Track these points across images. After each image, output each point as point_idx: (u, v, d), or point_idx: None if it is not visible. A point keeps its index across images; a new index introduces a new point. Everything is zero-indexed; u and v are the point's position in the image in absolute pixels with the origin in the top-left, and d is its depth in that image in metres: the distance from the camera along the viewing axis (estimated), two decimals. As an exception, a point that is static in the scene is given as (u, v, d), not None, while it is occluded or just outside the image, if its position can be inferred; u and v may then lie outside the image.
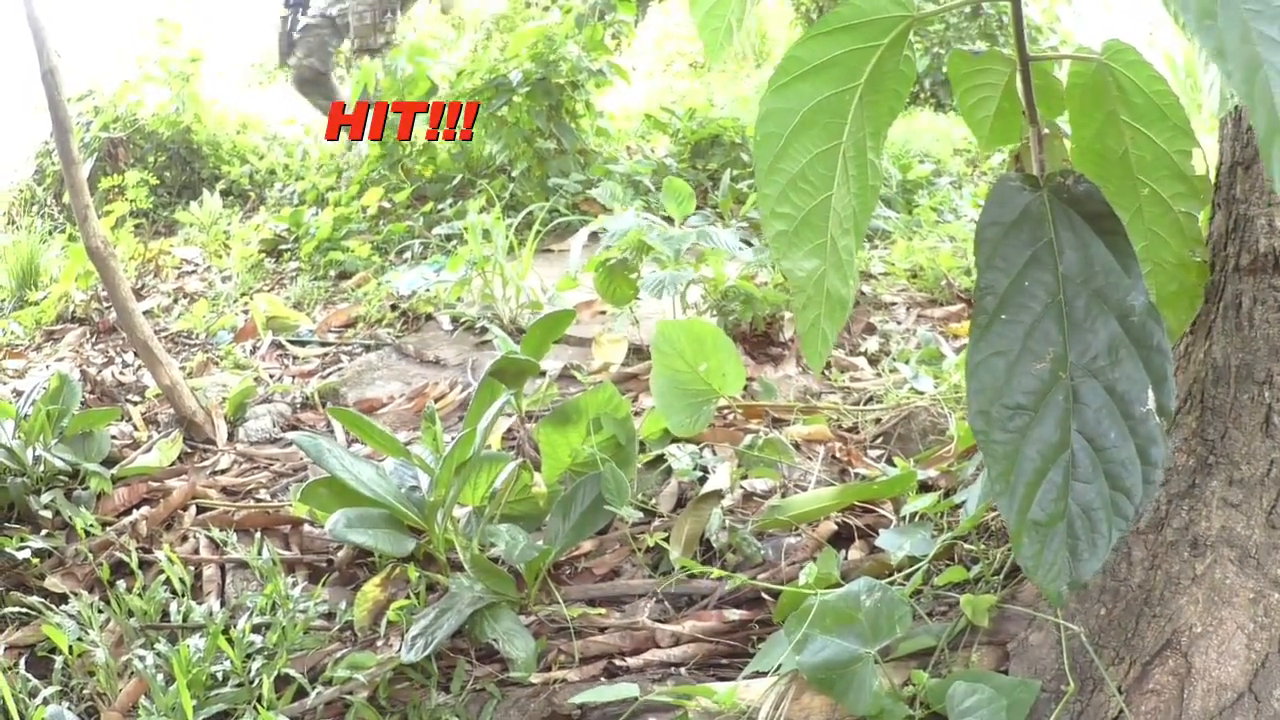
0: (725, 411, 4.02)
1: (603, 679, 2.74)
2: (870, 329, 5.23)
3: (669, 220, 5.08)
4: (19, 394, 5.08)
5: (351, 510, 3.11)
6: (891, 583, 2.71)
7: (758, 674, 2.55)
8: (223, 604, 3.29)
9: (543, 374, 4.40)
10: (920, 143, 9.61)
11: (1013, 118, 2.21)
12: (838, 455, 3.67)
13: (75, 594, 3.29)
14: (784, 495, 3.43)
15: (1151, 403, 1.72)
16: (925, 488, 3.25)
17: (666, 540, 3.20)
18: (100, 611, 3.14)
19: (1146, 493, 1.72)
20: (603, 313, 5.59)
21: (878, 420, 3.89)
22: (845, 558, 3.07)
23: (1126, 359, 1.72)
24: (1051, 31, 12.63)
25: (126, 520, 3.78)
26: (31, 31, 4.33)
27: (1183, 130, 1.95)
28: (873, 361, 4.80)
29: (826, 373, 4.64)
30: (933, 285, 5.79)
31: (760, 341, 5.06)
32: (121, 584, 3.28)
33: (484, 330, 5.72)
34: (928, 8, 1.82)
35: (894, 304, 5.64)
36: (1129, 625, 2.19)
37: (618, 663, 2.80)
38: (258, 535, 3.57)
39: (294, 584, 3.30)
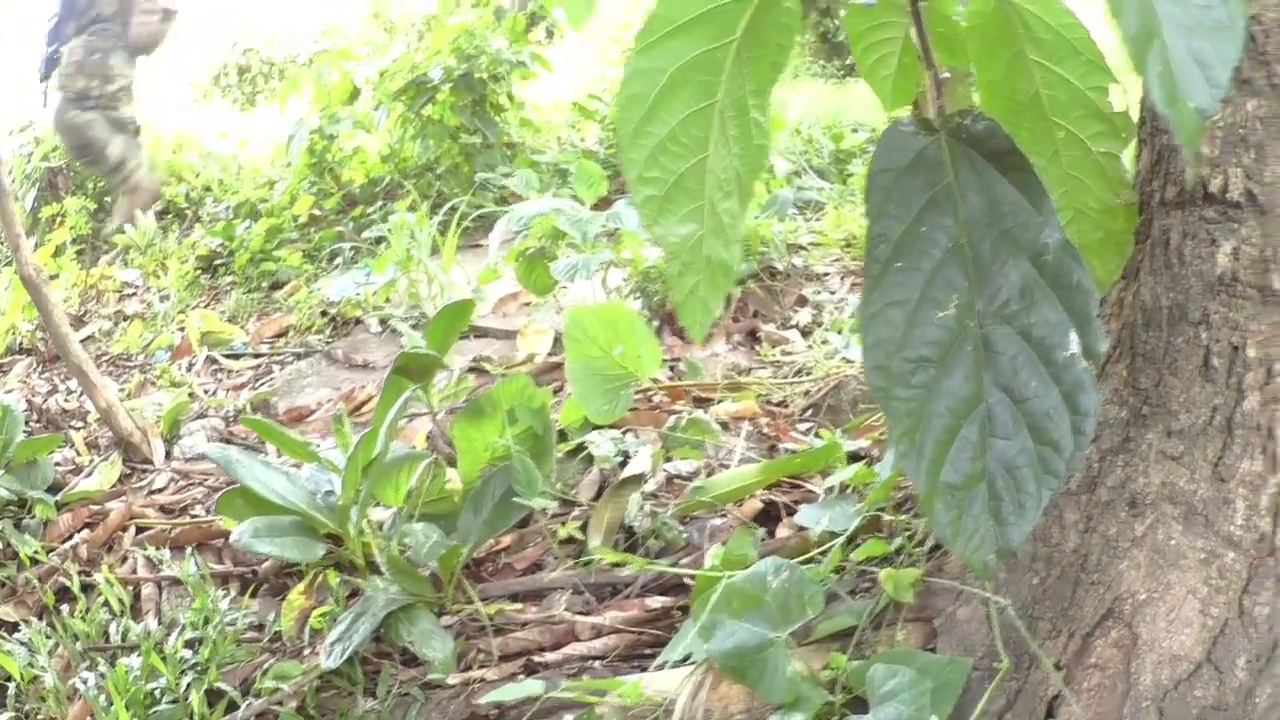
0: (649, 394, 3.93)
1: (522, 676, 2.65)
2: (802, 301, 5.13)
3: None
4: (-33, 428, 5.05)
5: (260, 519, 3.07)
6: (811, 559, 2.58)
7: (674, 664, 2.42)
8: (160, 621, 3.27)
9: (445, 368, 4.29)
10: (854, 113, 9.54)
11: (915, 72, 2.07)
12: (765, 431, 3.56)
13: (25, 621, 3.30)
14: (709, 475, 3.32)
15: (1076, 345, 1.56)
16: (856, 458, 3.11)
17: (585, 531, 3.12)
18: (48, 637, 3.13)
19: (1078, 444, 1.57)
20: (529, 304, 5.53)
21: (807, 392, 3.78)
22: (771, 537, 2.95)
23: (1043, 301, 1.58)
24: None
25: (68, 544, 3.78)
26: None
27: (1097, 66, 1.79)
28: (805, 334, 4.69)
29: (756, 348, 4.56)
30: (867, 254, 5.62)
31: (685, 320, 4.90)
32: (66, 608, 3.30)
33: (412, 329, 5.65)
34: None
35: (827, 274, 5.52)
36: (1065, 594, 2.02)
37: (537, 659, 2.71)
38: (190, 551, 3.52)
39: (226, 596, 3.26)
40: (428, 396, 3.42)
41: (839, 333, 4.31)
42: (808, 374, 3.99)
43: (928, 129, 1.64)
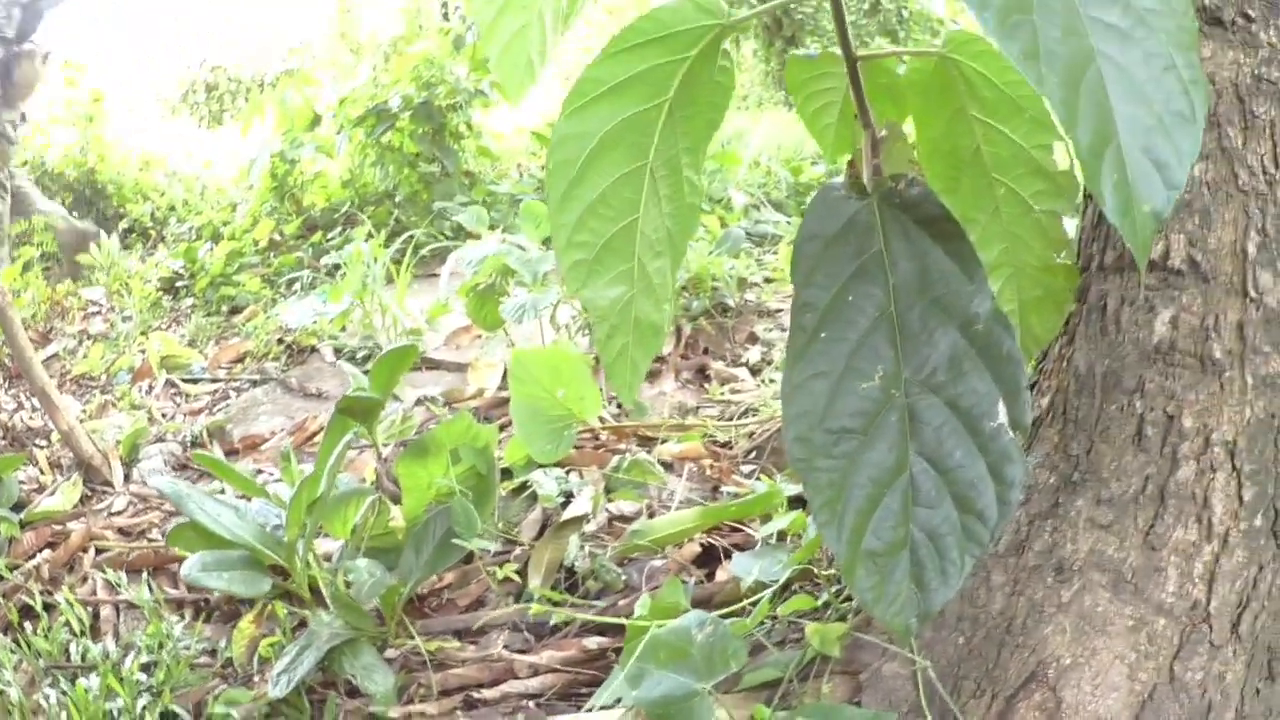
0: (595, 433, 3.93)
1: (460, 711, 2.67)
2: (753, 338, 5.13)
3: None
4: (-68, 442, 5.10)
5: (209, 554, 3.11)
6: (741, 610, 2.59)
7: (603, 707, 2.44)
8: (117, 643, 3.26)
9: (384, 406, 4.27)
10: (813, 145, 9.52)
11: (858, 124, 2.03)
12: (709, 473, 3.58)
13: None
14: (650, 517, 3.34)
15: (1003, 416, 1.56)
16: (798, 503, 3.10)
17: (523, 571, 3.13)
18: (13, 653, 3.14)
19: (1002, 514, 1.57)
20: (480, 337, 5.52)
21: (751, 434, 3.79)
22: (710, 580, 2.98)
23: (971, 371, 1.58)
24: (954, 23, 12.52)
25: (31, 564, 3.78)
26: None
27: (1041, 123, 1.81)
28: (754, 372, 4.70)
29: (705, 386, 4.57)
30: (821, 291, 5.61)
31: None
32: (29, 626, 3.30)
33: (366, 359, 5.69)
34: (741, 12, 1.64)
35: (779, 311, 5.52)
36: (990, 655, 2.02)
37: (475, 695, 2.72)
38: (144, 575, 3.56)
39: (180, 621, 3.28)
40: (372, 435, 3.41)
41: (788, 371, 4.26)
42: (754, 414, 3.99)
43: (860, 192, 1.64)
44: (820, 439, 1.57)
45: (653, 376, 4.75)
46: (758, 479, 3.44)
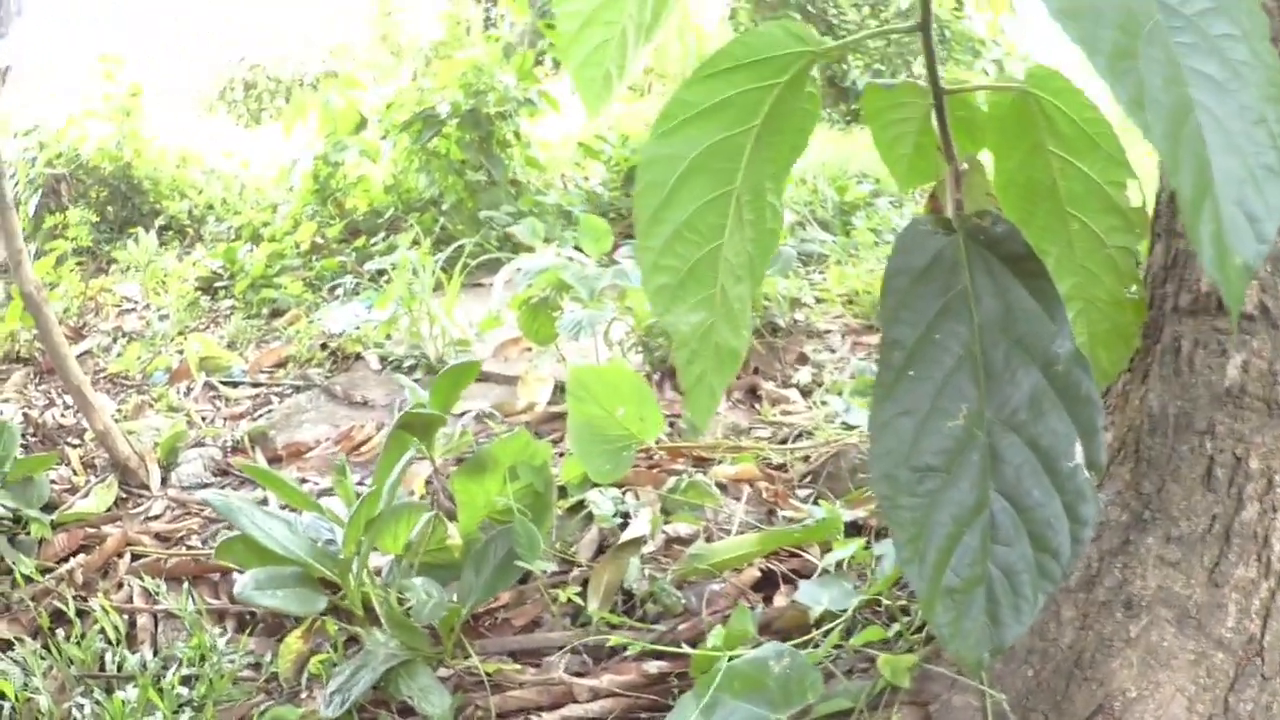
0: (649, 453, 3.91)
1: None
2: (803, 359, 5.12)
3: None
4: (-37, 437, 5.02)
5: (262, 571, 3.05)
6: (809, 640, 2.59)
7: None
8: (155, 653, 3.21)
9: (445, 423, 4.23)
10: (860, 162, 9.52)
11: (932, 153, 2.04)
12: (764, 496, 3.56)
13: (20, 640, 3.23)
14: (708, 539, 3.33)
15: (1080, 456, 1.58)
16: (854, 530, 3.14)
17: (584, 593, 3.10)
18: (43, 659, 3.08)
19: (1075, 552, 1.58)
20: (530, 349, 5.48)
21: (806, 458, 3.78)
22: (769, 605, 2.97)
23: (1050, 411, 1.59)
24: (995, 44, 12.54)
25: (64, 568, 3.71)
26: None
27: (1116, 160, 1.81)
28: (805, 393, 4.68)
29: (756, 406, 4.55)
30: (869, 311, 5.70)
31: (686, 378, 4.89)
32: (61, 632, 3.23)
33: (412, 369, 5.66)
34: (829, 42, 1.66)
35: (828, 332, 5.53)
36: (1058, 688, 2.04)
37: (534, 718, 2.69)
38: (186, 585, 3.50)
39: (222, 634, 3.23)
40: (430, 452, 3.39)
41: (839, 394, 4.30)
42: (808, 437, 3.99)
43: (946, 228, 1.65)
44: (905, 477, 1.58)
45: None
46: (815, 504, 3.43)
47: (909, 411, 1.59)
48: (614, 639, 2.83)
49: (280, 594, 3.02)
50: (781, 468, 3.81)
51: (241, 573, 3.35)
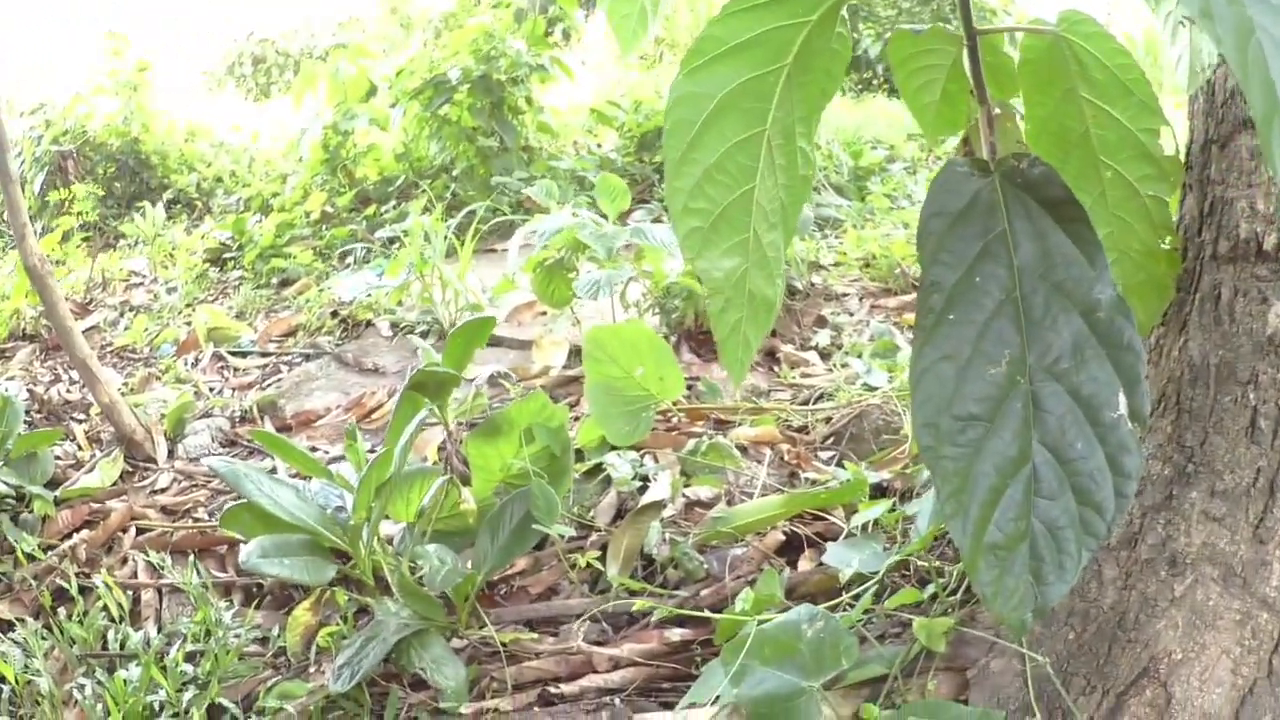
0: (667, 415, 3.87)
1: (537, 707, 2.59)
2: (821, 322, 5.10)
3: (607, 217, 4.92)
4: (-33, 414, 4.98)
5: (268, 539, 2.99)
6: (839, 604, 2.55)
7: (700, 705, 2.36)
8: (160, 630, 3.15)
9: (460, 382, 4.18)
10: (873, 128, 9.54)
11: (960, 101, 2.00)
12: (786, 458, 3.52)
13: (20, 620, 3.19)
14: (729, 503, 3.29)
15: (1123, 407, 1.54)
16: (879, 491, 3.10)
17: (603, 558, 3.05)
18: (44, 639, 3.02)
19: (1119, 506, 1.54)
20: (544, 313, 5.47)
21: (828, 419, 3.74)
22: (793, 570, 2.92)
23: (1093, 359, 1.55)
24: (1006, 14, 12.52)
25: (67, 544, 3.65)
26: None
27: (1149, 107, 1.77)
28: (824, 356, 4.67)
29: (775, 369, 4.52)
30: (886, 274, 5.70)
31: (705, 339, 4.93)
32: (63, 611, 3.19)
33: (424, 335, 5.62)
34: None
35: (846, 295, 5.52)
36: (1101, 651, 1.99)
37: (553, 689, 2.63)
38: (191, 558, 3.43)
39: (228, 608, 3.17)
40: (443, 414, 3.34)
41: (858, 356, 4.27)
42: (829, 399, 3.95)
43: (982, 170, 1.60)
44: (947, 425, 1.54)
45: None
46: (838, 466, 3.40)
47: (950, 356, 1.55)
48: (636, 604, 2.79)
49: (288, 562, 2.95)
50: (803, 429, 3.78)
51: (248, 543, 3.33)
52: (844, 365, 4.35)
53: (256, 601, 3.24)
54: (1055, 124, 1.85)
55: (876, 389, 3.83)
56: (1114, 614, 2.00)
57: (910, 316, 4.99)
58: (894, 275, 5.65)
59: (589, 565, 3.02)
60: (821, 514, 3.14)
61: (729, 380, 4.24)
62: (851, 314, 5.22)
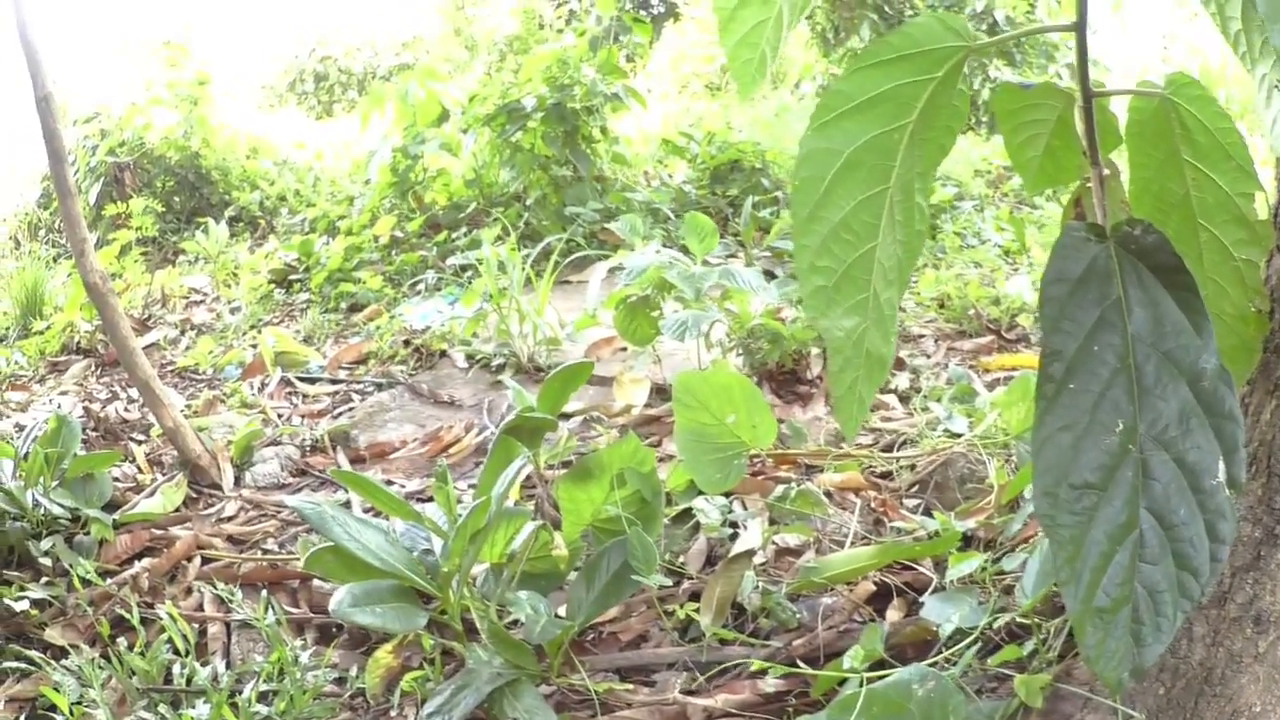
0: (755, 459, 3.86)
1: None
2: (900, 364, 5.10)
3: (687, 251, 4.96)
4: (21, 428, 4.99)
5: (358, 586, 2.93)
6: (938, 660, 2.60)
7: None
8: (228, 665, 3.14)
9: (556, 427, 4.03)
10: (942, 164, 9.53)
11: (1064, 156, 2.05)
12: (873, 505, 3.53)
13: (76, 647, 3.15)
14: (818, 550, 3.30)
15: (1222, 474, 1.58)
16: (965, 541, 3.12)
17: (695, 605, 3.03)
18: (101, 668, 2.95)
19: (1213, 570, 1.59)
20: (623, 349, 5.47)
21: (913, 466, 3.75)
22: (883, 618, 2.93)
23: (1197, 428, 1.59)
24: (1068, 48, 12.55)
25: (128, 572, 3.63)
26: (25, 56, 4.19)
27: (1246, 172, 1.81)
28: (903, 399, 4.68)
29: (857, 413, 4.48)
30: (960, 315, 5.73)
31: (787, 379, 4.96)
32: (123, 640, 3.09)
33: (500, 368, 5.62)
34: (984, 37, 1.69)
35: (922, 336, 5.56)
36: (1188, 705, 2.05)
37: None
38: (264, 592, 3.41)
39: (302, 645, 3.13)
40: (536, 460, 3.35)
41: (938, 400, 4.28)
42: (912, 445, 3.98)
43: (1098, 236, 1.65)
44: (1065, 494, 1.59)
45: (804, 401, 4.77)
46: (925, 514, 3.42)
47: (1068, 426, 1.59)
48: (743, 641, 2.82)
49: (379, 610, 2.88)
50: (887, 475, 3.79)
51: (323, 579, 3.35)
52: (924, 409, 4.36)
53: (333, 640, 3.21)
54: (1157, 185, 1.90)
55: (959, 435, 3.85)
56: (1202, 670, 2.06)
57: (986, 360, 5.05)
58: (968, 316, 5.69)
59: (686, 616, 3.02)
60: (910, 563, 3.16)
61: (810, 422, 4.29)
62: (928, 356, 5.26)
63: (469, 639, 2.99)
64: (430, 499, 3.78)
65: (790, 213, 1.72)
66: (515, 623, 3.06)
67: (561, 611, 3.02)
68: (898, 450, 3.99)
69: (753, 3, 1.72)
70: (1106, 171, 1.84)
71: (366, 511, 3.86)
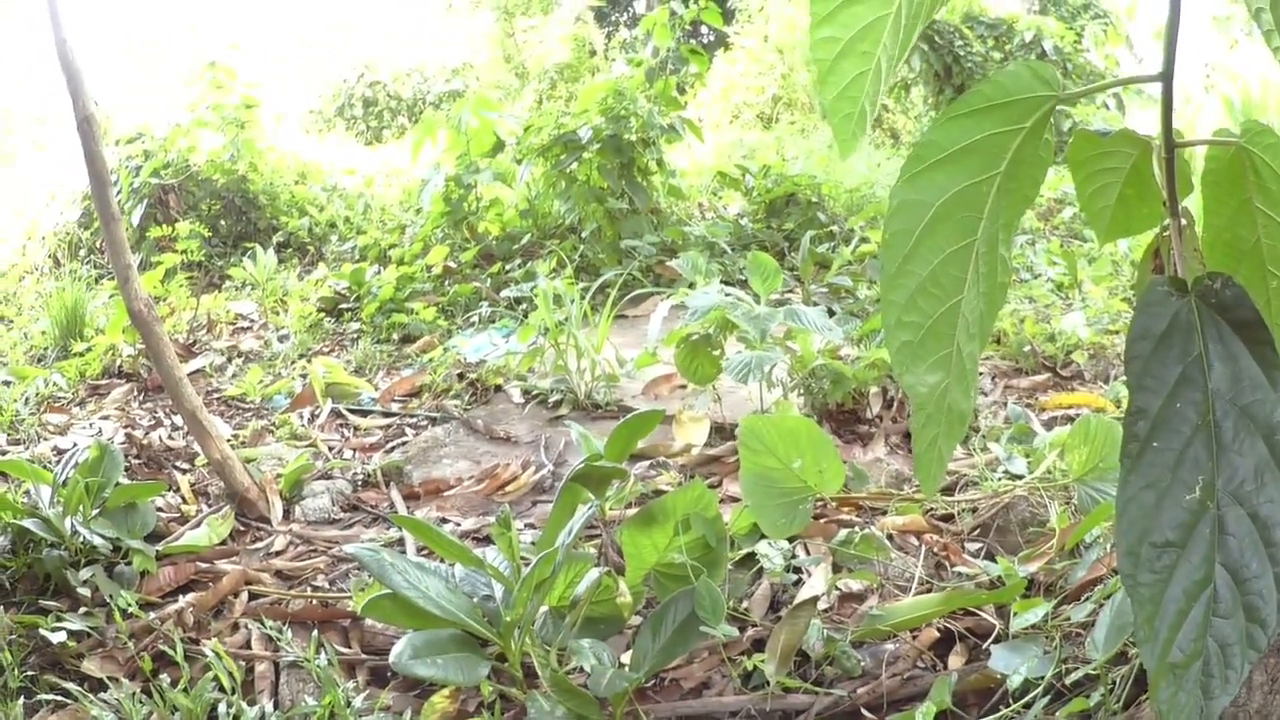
0: (817, 502, 3.78)
1: None
2: (955, 401, 5.04)
3: (744, 286, 4.97)
4: (59, 452, 5.02)
5: (418, 636, 2.89)
6: (1007, 716, 2.62)
7: None
8: (275, 706, 3.11)
9: (625, 476, 4.02)
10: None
11: (1136, 205, 2.05)
12: (934, 550, 3.54)
13: (115, 680, 3.15)
14: (881, 595, 3.32)
15: None
16: (1027, 585, 3.13)
17: (760, 654, 3.03)
18: (142, 704, 2.95)
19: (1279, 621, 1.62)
20: (682, 387, 5.43)
21: (974, 509, 3.77)
22: (943, 663, 2.97)
23: (1271, 482, 1.60)
24: (1113, 76, 12.62)
25: (172, 607, 3.59)
26: (66, 77, 4.22)
27: None
28: (962, 440, 4.60)
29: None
30: (1016, 352, 5.74)
31: (847, 419, 4.97)
32: (165, 676, 3.12)
33: (557, 404, 5.60)
34: (1071, 87, 1.72)
35: (979, 374, 5.46)
36: (1247, 752, 2.10)
37: None
38: (314, 631, 3.35)
39: (355, 688, 3.11)
40: (603, 508, 3.37)
41: (996, 440, 4.31)
42: (972, 486, 4.00)
43: (1180, 290, 1.66)
44: (1146, 553, 1.60)
45: (865, 441, 4.76)
46: (988, 559, 3.44)
47: (1152, 484, 1.61)
48: (795, 704, 2.82)
49: (440, 661, 2.82)
50: (949, 518, 3.80)
51: (379, 621, 3.31)
52: (983, 449, 4.36)
53: (388, 683, 3.18)
54: (1230, 233, 1.91)
55: (1019, 477, 3.86)
56: (1260, 717, 2.10)
57: (1043, 399, 5.06)
58: (1024, 354, 5.71)
59: (754, 666, 3.01)
60: (974, 610, 3.17)
61: (870, 464, 4.29)
62: (985, 394, 5.26)
63: (529, 685, 2.99)
64: (487, 538, 3.81)
65: (880, 265, 1.73)
66: (577, 669, 3.05)
67: (624, 658, 3.03)
68: (958, 493, 4.01)
69: (852, 54, 1.72)
70: (1184, 222, 1.87)
71: (420, 550, 3.85)
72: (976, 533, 3.68)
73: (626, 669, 2.90)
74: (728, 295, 4.87)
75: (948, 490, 4.07)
